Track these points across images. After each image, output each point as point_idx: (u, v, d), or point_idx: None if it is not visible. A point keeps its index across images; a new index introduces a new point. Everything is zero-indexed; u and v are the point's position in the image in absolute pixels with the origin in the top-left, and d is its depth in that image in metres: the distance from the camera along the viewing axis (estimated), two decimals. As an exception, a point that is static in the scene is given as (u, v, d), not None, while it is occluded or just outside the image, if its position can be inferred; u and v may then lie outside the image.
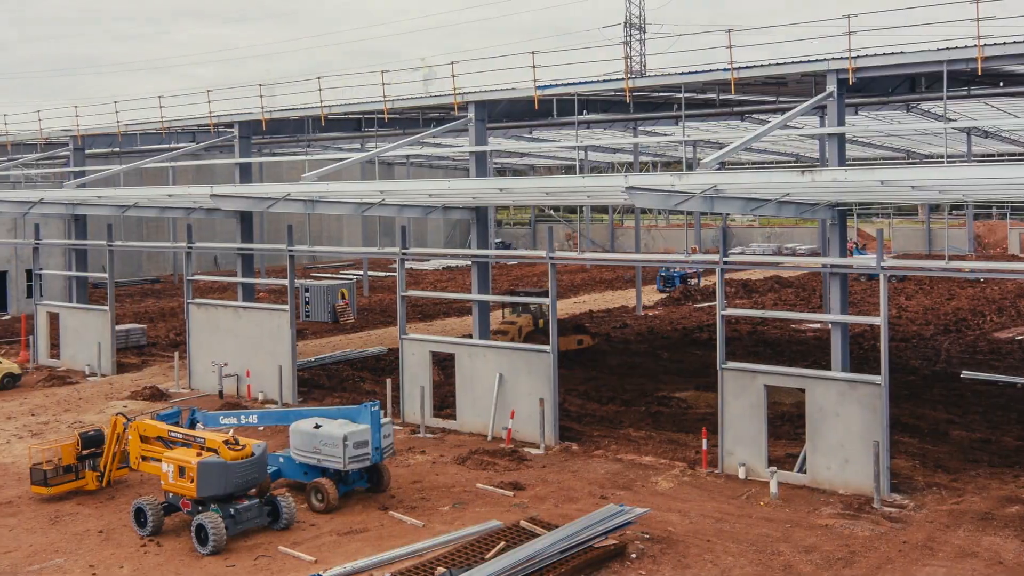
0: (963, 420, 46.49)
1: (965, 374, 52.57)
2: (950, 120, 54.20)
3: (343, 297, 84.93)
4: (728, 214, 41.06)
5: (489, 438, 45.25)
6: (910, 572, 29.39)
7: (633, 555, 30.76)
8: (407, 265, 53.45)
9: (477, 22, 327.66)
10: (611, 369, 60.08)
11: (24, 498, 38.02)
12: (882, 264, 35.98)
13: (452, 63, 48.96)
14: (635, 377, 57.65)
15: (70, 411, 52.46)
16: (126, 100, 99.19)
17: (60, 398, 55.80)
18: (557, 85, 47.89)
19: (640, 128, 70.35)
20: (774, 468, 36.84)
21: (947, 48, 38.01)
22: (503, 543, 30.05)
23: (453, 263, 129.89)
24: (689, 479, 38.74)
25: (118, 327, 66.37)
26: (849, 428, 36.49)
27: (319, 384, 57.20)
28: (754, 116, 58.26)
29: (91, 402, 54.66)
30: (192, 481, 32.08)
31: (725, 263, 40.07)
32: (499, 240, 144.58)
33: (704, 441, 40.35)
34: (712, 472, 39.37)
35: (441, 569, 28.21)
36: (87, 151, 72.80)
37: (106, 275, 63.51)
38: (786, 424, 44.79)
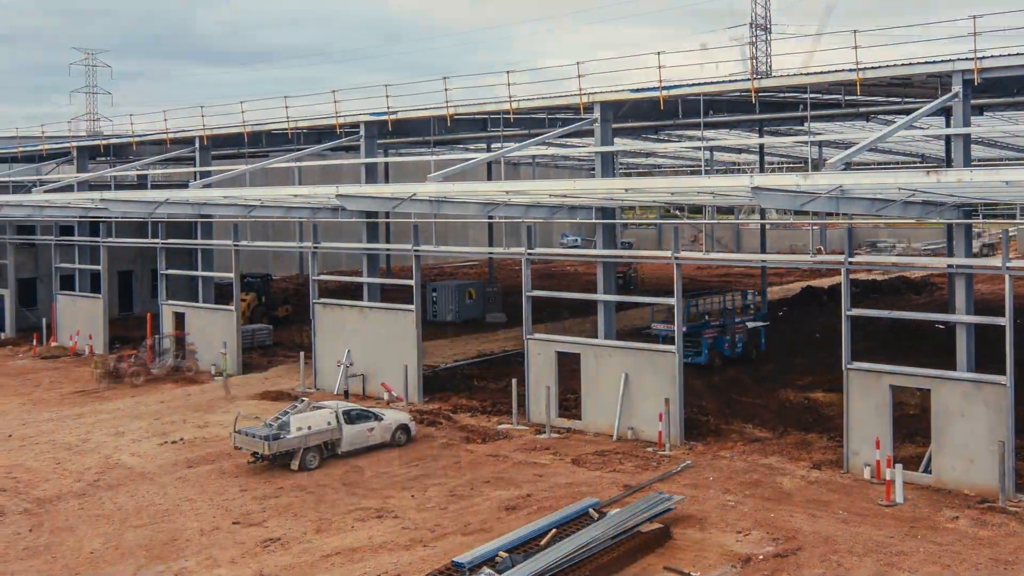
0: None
1: None
2: (1076, 120, 54.60)
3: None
4: (853, 214, 41.97)
5: (614, 438, 46.87)
6: (1033, 570, 30.54)
7: (760, 556, 32.23)
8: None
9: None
10: (736, 369, 61.21)
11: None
12: (1007, 265, 36.98)
13: (578, 63, 50.25)
14: (760, 376, 58.81)
15: (198, 411, 55.19)
16: (252, 99, 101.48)
17: (187, 398, 58.51)
18: (683, 85, 48.93)
19: (765, 128, 71.06)
20: (899, 468, 37.86)
21: (1074, 48, 38.71)
22: (554, 531, 32.48)
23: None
24: (815, 479, 40.08)
25: (244, 327, 68.60)
26: (974, 428, 37.62)
27: (446, 385, 59.36)
28: (879, 117, 58.91)
29: (217, 403, 57.42)
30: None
31: (850, 263, 41.31)
32: (623, 240, 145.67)
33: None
34: (837, 472, 40.59)
35: (503, 554, 30.70)
36: (212, 151, 74.79)
37: (231, 275, 65.77)
38: (912, 424, 45.61)
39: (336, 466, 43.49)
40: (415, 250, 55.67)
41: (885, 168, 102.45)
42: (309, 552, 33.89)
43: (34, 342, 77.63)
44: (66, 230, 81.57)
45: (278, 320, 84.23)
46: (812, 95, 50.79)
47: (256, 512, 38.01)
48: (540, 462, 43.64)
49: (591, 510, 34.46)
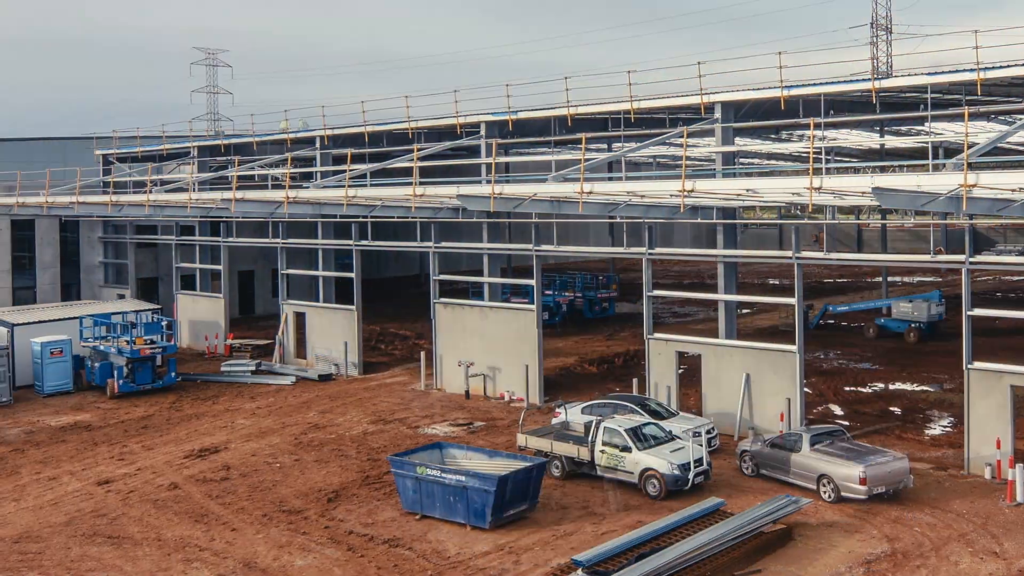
0: None
1: None
2: None
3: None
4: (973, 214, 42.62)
5: (735, 438, 48.20)
6: None
7: (880, 557, 33.43)
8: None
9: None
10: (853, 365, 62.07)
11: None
12: None
13: (699, 63, 51.26)
14: (874, 375, 59.64)
15: (328, 412, 57.21)
16: (373, 100, 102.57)
17: (310, 398, 60.83)
18: (804, 85, 49.76)
19: (886, 128, 71.44)
20: (1020, 468, 38.71)
21: None
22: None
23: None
24: (936, 479, 41.15)
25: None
26: (1095, 428, 38.36)
27: (567, 385, 60.93)
28: (1000, 116, 59.28)
29: (342, 401, 59.63)
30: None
31: (971, 264, 42.17)
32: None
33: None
34: (959, 472, 41.56)
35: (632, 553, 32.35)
36: (333, 151, 76.38)
37: (352, 274, 67.56)
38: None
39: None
40: (536, 250, 57.15)
41: (1008, 168, 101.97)
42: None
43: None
44: (186, 230, 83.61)
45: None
46: (933, 95, 51.53)
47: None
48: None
49: (718, 510, 35.84)
